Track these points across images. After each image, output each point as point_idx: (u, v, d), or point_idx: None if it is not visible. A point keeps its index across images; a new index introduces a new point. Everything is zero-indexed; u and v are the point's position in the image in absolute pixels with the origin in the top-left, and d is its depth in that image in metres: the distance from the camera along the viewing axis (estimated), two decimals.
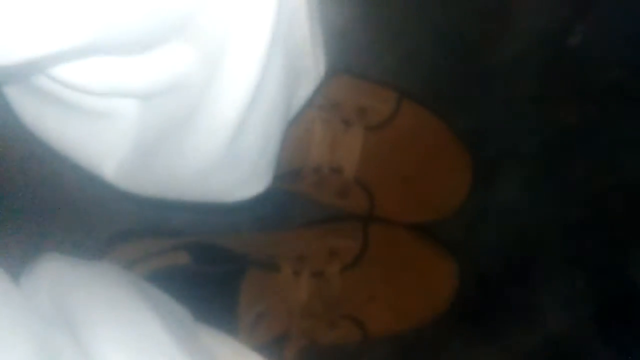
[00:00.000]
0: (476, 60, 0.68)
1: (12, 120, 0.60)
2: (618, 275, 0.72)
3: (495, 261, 0.72)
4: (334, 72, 0.64)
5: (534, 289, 0.72)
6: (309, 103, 0.61)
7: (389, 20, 0.66)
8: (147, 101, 0.37)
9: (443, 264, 0.68)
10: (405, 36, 0.67)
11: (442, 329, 0.69)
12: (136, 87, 0.35)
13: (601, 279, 0.72)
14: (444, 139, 0.67)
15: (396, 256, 0.67)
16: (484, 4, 0.67)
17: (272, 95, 0.37)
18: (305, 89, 0.42)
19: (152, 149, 0.39)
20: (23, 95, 0.38)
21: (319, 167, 0.64)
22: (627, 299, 0.72)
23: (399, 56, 0.67)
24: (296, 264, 0.64)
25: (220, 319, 0.59)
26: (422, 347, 0.71)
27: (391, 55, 0.67)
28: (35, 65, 0.30)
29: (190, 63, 0.33)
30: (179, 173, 0.39)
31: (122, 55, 0.32)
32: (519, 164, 0.70)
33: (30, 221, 0.65)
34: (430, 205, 0.68)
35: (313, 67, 0.41)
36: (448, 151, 0.67)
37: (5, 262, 0.60)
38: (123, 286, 0.43)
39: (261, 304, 0.63)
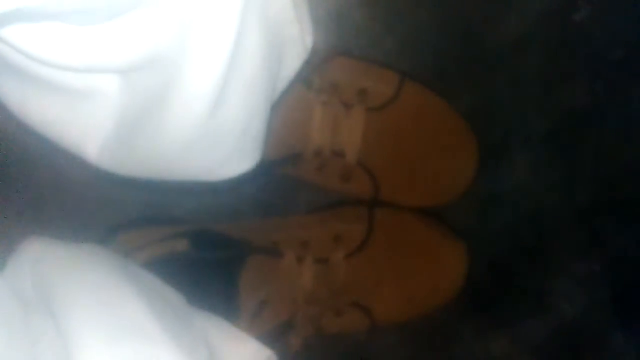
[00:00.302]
0: (480, 41, 0.67)
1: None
2: (633, 259, 0.71)
3: (507, 246, 0.70)
4: (333, 53, 0.64)
5: (547, 274, 0.71)
6: (308, 85, 0.61)
7: (390, 2, 0.65)
8: (126, 77, 0.36)
9: (453, 248, 0.66)
10: (407, 18, 0.66)
11: (453, 315, 0.68)
12: (112, 62, 0.34)
13: (616, 263, 0.71)
14: (449, 120, 0.65)
15: (403, 241, 0.66)
16: None
17: (253, 66, 0.36)
18: (293, 61, 0.41)
19: (134, 128, 0.38)
20: (5, 77, 0.38)
21: (320, 150, 0.62)
22: None
23: (400, 38, 0.66)
24: (300, 250, 0.63)
25: (221, 307, 0.58)
26: (432, 334, 0.70)
27: (392, 38, 0.66)
28: None
29: (164, 33, 0.33)
30: (162, 151, 0.39)
31: (90, 22, 0.32)
32: (527, 146, 0.69)
33: (30, 210, 0.66)
34: (437, 188, 0.66)
35: (299, 37, 0.40)
36: (453, 132, 0.65)
37: (4, 250, 0.60)
38: (107, 268, 0.42)
39: (263, 292, 0.62)
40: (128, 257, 0.62)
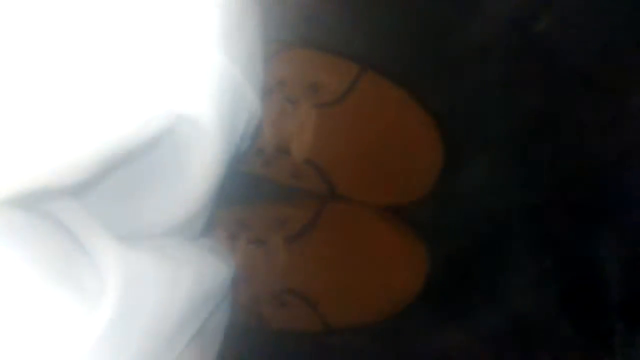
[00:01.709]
0: (444, 44, 0.69)
1: None
2: (583, 256, 0.74)
3: (463, 241, 0.73)
4: (286, 46, 0.62)
5: (501, 270, 0.73)
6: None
7: (358, 4, 0.66)
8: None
9: (411, 247, 0.64)
10: (371, 18, 0.67)
11: (410, 308, 0.70)
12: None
13: (567, 261, 0.74)
14: (412, 114, 0.63)
15: (356, 235, 0.63)
16: None
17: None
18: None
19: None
20: None
21: (262, 149, 0.60)
22: (591, 280, 0.74)
23: (367, 40, 0.67)
24: (234, 226, 0.61)
25: None
26: (389, 331, 0.71)
27: (359, 39, 0.67)
28: None
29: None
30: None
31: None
32: (486, 148, 0.72)
33: None
34: (399, 187, 0.64)
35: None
36: (415, 127, 0.63)
37: None
38: None
39: None
40: None
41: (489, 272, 0.74)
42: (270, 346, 0.65)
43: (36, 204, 0.35)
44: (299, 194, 0.65)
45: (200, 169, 0.37)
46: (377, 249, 0.63)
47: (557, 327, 0.74)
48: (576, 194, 0.73)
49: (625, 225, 0.72)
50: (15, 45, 0.29)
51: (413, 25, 0.68)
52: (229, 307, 0.51)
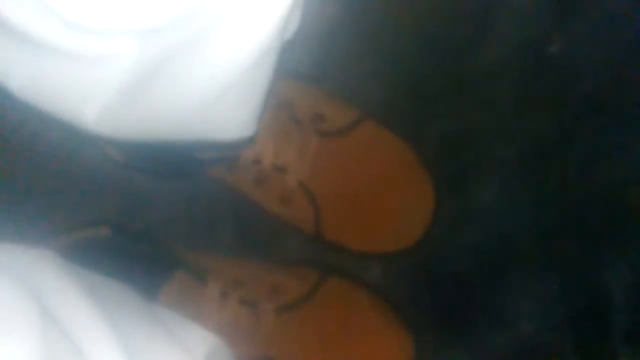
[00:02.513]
0: (456, 65, 0.69)
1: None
2: (591, 281, 0.74)
3: (470, 262, 0.72)
4: (299, 77, 0.63)
5: (507, 292, 0.73)
6: None
7: (368, 24, 0.66)
8: (146, 38, 0.32)
9: (395, 342, 0.63)
10: (385, 40, 0.67)
11: (414, 328, 0.70)
12: (138, 23, 0.31)
13: (574, 284, 0.73)
14: (406, 164, 0.63)
15: (343, 318, 0.62)
16: (464, 11, 0.68)
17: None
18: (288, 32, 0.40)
19: (146, 85, 0.35)
20: None
21: (259, 160, 0.59)
22: (597, 305, 0.74)
23: (378, 59, 0.68)
24: (228, 285, 0.60)
25: None
26: None
27: (370, 58, 0.67)
28: None
29: None
30: (177, 106, 0.37)
31: None
32: (495, 169, 0.71)
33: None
34: (386, 233, 0.63)
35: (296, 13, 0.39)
36: (410, 177, 0.63)
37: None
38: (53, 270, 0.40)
39: (181, 312, 0.56)
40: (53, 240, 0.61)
41: (495, 294, 0.73)
42: None
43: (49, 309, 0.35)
44: (299, 263, 0.64)
45: None
46: (363, 331, 0.62)
47: (562, 351, 0.74)
48: (584, 218, 0.73)
49: (633, 250, 0.72)
50: None
51: (425, 48, 0.68)
52: None
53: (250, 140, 0.42)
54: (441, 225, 0.69)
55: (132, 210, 0.67)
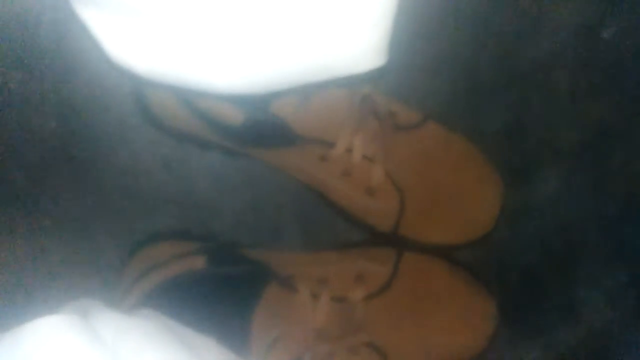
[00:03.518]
0: (512, 57, 0.68)
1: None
2: None
3: (537, 256, 0.72)
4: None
5: (576, 284, 0.72)
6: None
7: (425, 22, 0.66)
8: None
9: (479, 304, 0.64)
10: (443, 35, 0.67)
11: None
12: None
13: None
14: (473, 159, 0.64)
15: (428, 290, 0.63)
16: (517, 3, 0.67)
17: None
18: None
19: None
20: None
21: (350, 150, 0.60)
22: None
23: (437, 54, 0.67)
24: (316, 286, 0.61)
25: (232, 339, 0.57)
26: None
27: (429, 52, 0.67)
28: None
29: None
30: (312, 43, 0.38)
31: None
32: (557, 158, 0.70)
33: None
34: (456, 227, 0.64)
35: None
36: (478, 172, 0.64)
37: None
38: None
39: (275, 329, 0.59)
40: (145, 276, 0.61)
41: (563, 287, 0.72)
42: None
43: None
44: (371, 242, 0.65)
45: None
46: (446, 302, 0.63)
47: (635, 344, 0.72)
48: None
49: None
50: None
51: (481, 41, 0.68)
52: None
53: (381, 73, 0.42)
54: (506, 217, 0.68)
55: (197, 221, 0.68)
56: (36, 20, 0.63)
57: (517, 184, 0.69)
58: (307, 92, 0.57)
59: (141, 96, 0.63)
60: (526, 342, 0.72)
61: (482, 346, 0.63)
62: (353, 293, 0.61)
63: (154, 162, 0.67)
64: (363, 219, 0.64)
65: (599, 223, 0.72)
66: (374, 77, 0.42)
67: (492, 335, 0.63)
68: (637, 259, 0.72)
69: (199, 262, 0.61)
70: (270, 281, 0.60)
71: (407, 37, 0.65)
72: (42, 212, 0.66)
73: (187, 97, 0.59)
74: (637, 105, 0.70)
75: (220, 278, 0.61)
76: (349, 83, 0.58)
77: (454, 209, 0.63)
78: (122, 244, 0.66)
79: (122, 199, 0.67)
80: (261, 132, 0.59)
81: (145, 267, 0.62)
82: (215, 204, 0.68)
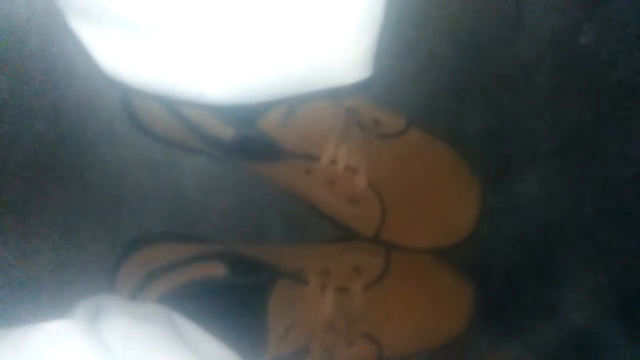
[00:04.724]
0: (492, 62, 0.70)
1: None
2: (636, 268, 0.74)
3: (518, 256, 0.73)
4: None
5: (556, 284, 0.73)
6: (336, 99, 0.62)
7: (405, 27, 0.68)
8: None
9: (461, 288, 0.68)
10: (421, 41, 0.69)
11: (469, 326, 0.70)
12: None
13: (622, 272, 0.74)
14: (452, 164, 0.66)
15: (416, 279, 0.67)
16: (497, 9, 0.69)
17: None
18: None
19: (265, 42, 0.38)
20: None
21: (335, 161, 0.62)
22: None
23: (418, 59, 0.69)
24: (322, 278, 0.64)
25: (251, 329, 0.60)
26: (447, 345, 0.71)
27: (411, 58, 0.69)
28: None
29: None
30: (299, 52, 0.39)
31: None
32: (537, 161, 0.72)
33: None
34: (437, 231, 0.66)
35: None
36: (456, 176, 0.66)
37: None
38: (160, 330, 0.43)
39: (289, 317, 0.62)
40: (155, 277, 0.62)
41: (544, 287, 0.73)
42: None
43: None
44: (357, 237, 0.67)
45: None
46: (431, 289, 0.67)
47: (614, 343, 0.74)
48: (628, 205, 0.74)
49: None
50: None
51: (460, 47, 0.69)
52: None
53: (366, 85, 0.43)
54: (486, 219, 0.70)
55: (183, 224, 0.69)
56: (25, 25, 0.64)
57: (498, 186, 0.70)
58: (292, 106, 0.59)
59: (129, 104, 0.64)
60: (507, 341, 0.73)
61: (465, 326, 0.67)
62: (353, 284, 0.64)
63: (142, 165, 0.68)
64: (347, 226, 0.66)
65: (579, 224, 0.73)
66: (359, 89, 0.44)
67: (472, 315, 0.67)
68: (616, 258, 0.74)
69: (219, 270, 0.63)
70: (282, 275, 0.63)
71: (386, 45, 0.66)
72: (31, 215, 0.67)
73: (177, 109, 0.61)
74: (614, 108, 0.72)
75: (237, 284, 0.63)
76: (334, 95, 0.60)
77: (434, 214, 0.65)
78: (111, 247, 0.67)
79: (111, 202, 0.68)
80: (250, 147, 0.61)
81: (145, 270, 0.63)
82: (202, 205, 0.69)
